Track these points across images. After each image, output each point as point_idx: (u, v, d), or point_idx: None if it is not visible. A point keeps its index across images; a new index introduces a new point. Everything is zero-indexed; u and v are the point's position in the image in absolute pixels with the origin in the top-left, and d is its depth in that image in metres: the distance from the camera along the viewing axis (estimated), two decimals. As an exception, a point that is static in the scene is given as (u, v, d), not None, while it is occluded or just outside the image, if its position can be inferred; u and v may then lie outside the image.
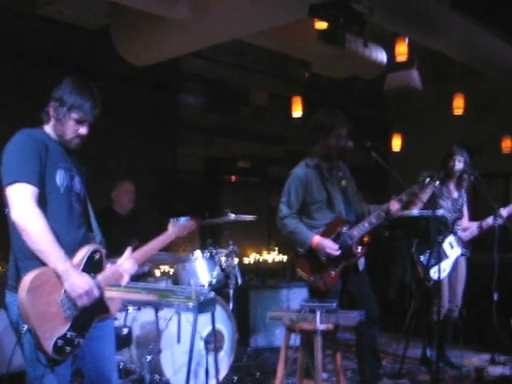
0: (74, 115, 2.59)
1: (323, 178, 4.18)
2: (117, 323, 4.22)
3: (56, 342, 2.37)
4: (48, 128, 2.65)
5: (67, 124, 2.60)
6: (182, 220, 3.02)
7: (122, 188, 5.21)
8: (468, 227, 5.06)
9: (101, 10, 5.52)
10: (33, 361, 2.43)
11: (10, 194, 2.42)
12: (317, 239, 4.01)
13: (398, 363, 5.02)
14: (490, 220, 4.95)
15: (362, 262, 4.25)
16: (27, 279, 2.33)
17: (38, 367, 2.43)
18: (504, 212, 4.93)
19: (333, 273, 4.04)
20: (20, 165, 2.44)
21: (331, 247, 4.00)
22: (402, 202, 4.04)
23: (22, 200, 2.39)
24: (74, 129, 2.62)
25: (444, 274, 4.77)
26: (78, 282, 2.43)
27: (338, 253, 4.01)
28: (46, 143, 2.54)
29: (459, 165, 4.94)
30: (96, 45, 5.96)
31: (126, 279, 2.70)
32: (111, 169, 6.15)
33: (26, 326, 2.35)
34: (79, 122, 2.61)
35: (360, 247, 4.12)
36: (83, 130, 2.64)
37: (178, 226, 2.99)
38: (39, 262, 2.40)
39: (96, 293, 2.50)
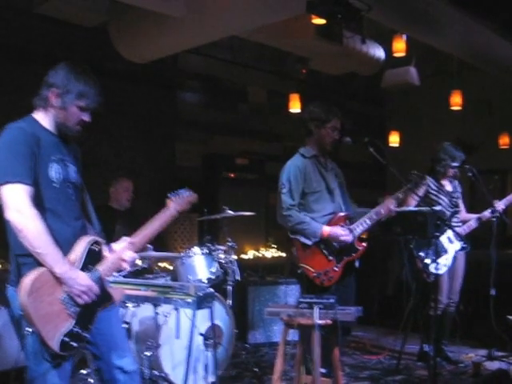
0: (81, 103, 2.54)
1: (321, 168, 4.14)
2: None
3: (63, 340, 2.38)
4: (40, 115, 2.58)
5: (71, 112, 2.55)
6: (182, 192, 2.92)
7: (121, 186, 5.21)
8: (466, 219, 5.07)
9: (99, 7, 5.53)
10: (37, 358, 2.42)
11: (4, 194, 2.37)
12: (328, 229, 3.96)
13: (396, 359, 5.05)
14: (487, 213, 4.96)
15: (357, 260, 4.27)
16: (27, 282, 2.32)
17: (42, 364, 2.42)
18: (501, 204, 4.95)
19: (336, 268, 4.00)
20: (13, 164, 2.39)
21: (344, 234, 3.97)
22: (397, 199, 4.07)
23: (18, 201, 2.35)
24: (78, 116, 2.57)
25: (445, 269, 4.79)
26: (77, 284, 2.42)
27: (351, 239, 3.99)
28: (36, 135, 2.48)
29: (456, 164, 4.98)
30: (94, 42, 5.96)
31: (126, 268, 2.69)
32: (110, 165, 6.16)
33: (30, 329, 2.34)
34: (84, 109, 2.57)
35: (361, 243, 4.10)
36: (86, 118, 2.60)
37: (178, 201, 2.89)
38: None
39: (96, 290, 2.50)
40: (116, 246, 2.69)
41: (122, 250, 2.66)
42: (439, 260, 4.63)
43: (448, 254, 4.83)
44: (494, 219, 4.93)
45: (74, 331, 2.43)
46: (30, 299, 2.30)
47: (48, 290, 2.38)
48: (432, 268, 4.50)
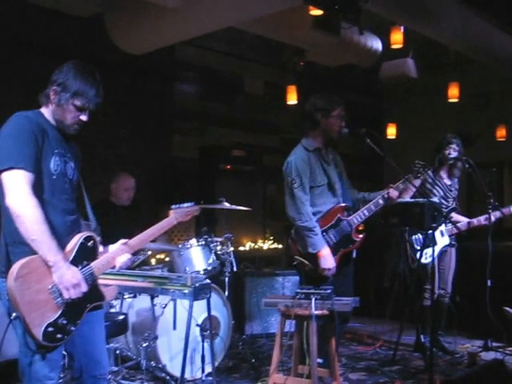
0: (77, 102, 2.53)
1: (323, 161, 4.10)
2: (113, 310, 4.24)
3: (46, 329, 2.35)
4: (46, 111, 2.59)
5: (68, 110, 2.54)
6: (185, 206, 2.96)
7: (123, 184, 5.10)
8: (458, 221, 5.08)
9: (95, -3, 5.52)
10: (23, 347, 2.42)
11: (5, 180, 2.37)
12: (325, 252, 3.87)
13: (392, 350, 5.07)
14: (482, 219, 4.97)
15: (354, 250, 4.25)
16: (15, 267, 2.31)
17: (28, 353, 2.42)
18: (504, 211, 4.97)
19: None
20: (17, 150, 2.39)
21: (327, 268, 3.87)
22: (398, 189, 4.06)
23: (18, 187, 2.35)
24: (75, 115, 2.55)
25: (429, 260, 4.79)
26: (67, 276, 2.39)
27: (331, 273, 3.90)
28: (42, 127, 2.49)
29: (454, 153, 4.98)
30: (90, 33, 5.93)
31: (119, 267, 2.69)
32: (106, 158, 6.15)
33: (15, 314, 2.33)
34: (81, 109, 2.55)
35: (358, 234, 4.06)
36: (84, 117, 2.58)
37: (180, 212, 2.93)
38: (30, 248, 2.37)
39: (84, 289, 2.46)
40: (112, 246, 2.69)
41: (118, 251, 2.66)
42: (426, 250, 4.66)
43: (436, 246, 4.83)
44: (490, 211, 4.94)
45: (60, 322, 2.40)
46: (16, 283, 2.28)
47: (37, 277, 2.35)
48: (418, 255, 4.55)
